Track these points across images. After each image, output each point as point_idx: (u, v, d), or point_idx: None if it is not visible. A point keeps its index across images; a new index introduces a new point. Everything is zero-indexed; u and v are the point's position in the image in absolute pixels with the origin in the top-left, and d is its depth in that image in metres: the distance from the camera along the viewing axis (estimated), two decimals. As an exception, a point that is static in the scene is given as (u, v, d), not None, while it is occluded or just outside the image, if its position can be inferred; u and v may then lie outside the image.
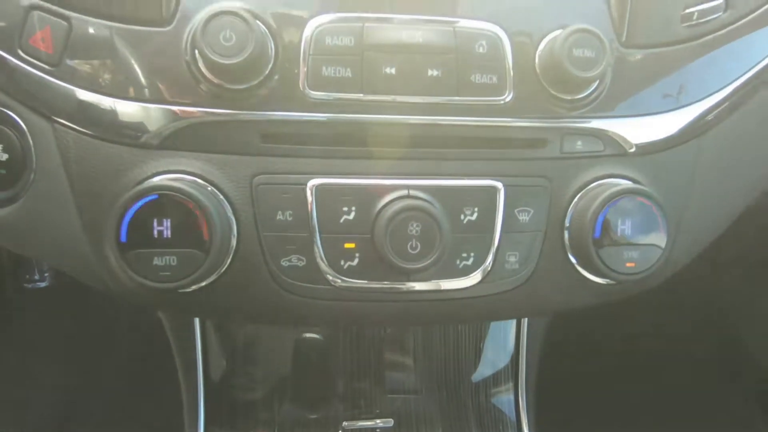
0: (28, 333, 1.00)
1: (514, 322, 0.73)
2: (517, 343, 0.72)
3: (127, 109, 0.44)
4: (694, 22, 0.51)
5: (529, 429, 0.72)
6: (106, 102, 0.44)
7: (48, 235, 0.48)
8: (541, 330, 0.70)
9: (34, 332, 1.00)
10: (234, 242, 0.46)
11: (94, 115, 0.45)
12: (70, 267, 0.50)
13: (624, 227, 0.47)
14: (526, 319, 0.71)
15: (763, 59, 0.54)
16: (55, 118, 0.45)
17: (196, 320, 0.68)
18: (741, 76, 0.53)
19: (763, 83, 0.55)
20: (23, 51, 0.44)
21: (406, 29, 0.46)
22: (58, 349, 1.02)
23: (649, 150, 0.51)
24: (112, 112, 0.45)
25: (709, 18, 0.51)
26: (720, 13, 0.52)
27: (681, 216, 0.54)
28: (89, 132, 0.45)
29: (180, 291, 0.45)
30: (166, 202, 0.42)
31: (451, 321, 0.65)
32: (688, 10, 0.50)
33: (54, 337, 1.01)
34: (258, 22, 0.43)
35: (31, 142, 0.46)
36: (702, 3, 0.51)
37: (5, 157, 0.47)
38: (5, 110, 0.46)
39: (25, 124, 0.46)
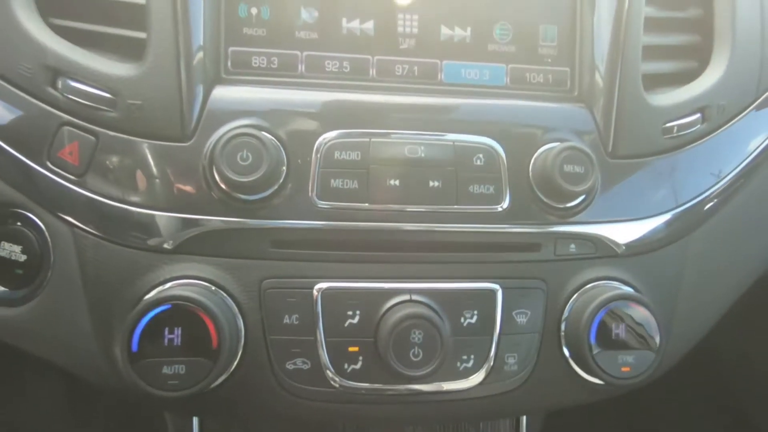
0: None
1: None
2: None
3: (145, 218, 0.47)
4: (674, 135, 0.55)
5: None
6: (125, 210, 0.47)
7: (58, 335, 0.49)
8: (538, 423, 0.70)
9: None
10: (241, 347, 0.47)
11: (113, 223, 0.47)
12: (77, 368, 0.51)
13: (618, 332, 0.49)
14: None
15: (740, 165, 0.59)
16: (76, 223, 0.48)
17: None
18: (720, 180, 0.57)
19: (743, 185, 0.59)
20: (51, 162, 0.47)
21: (410, 144, 0.49)
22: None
23: (638, 251, 0.54)
24: (131, 220, 0.47)
25: (688, 131, 0.55)
26: (698, 126, 0.56)
27: (673, 314, 0.56)
28: (108, 237, 0.47)
29: (182, 396, 0.45)
30: (177, 311, 0.43)
31: (452, 420, 0.65)
32: (668, 124, 0.55)
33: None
34: (272, 138, 0.47)
35: (50, 244, 0.48)
36: (681, 118, 0.55)
37: (23, 258, 0.49)
38: (28, 214, 0.48)
39: (46, 228, 0.48)
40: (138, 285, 0.47)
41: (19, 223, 0.49)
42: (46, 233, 0.48)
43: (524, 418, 0.69)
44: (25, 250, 0.49)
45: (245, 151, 0.45)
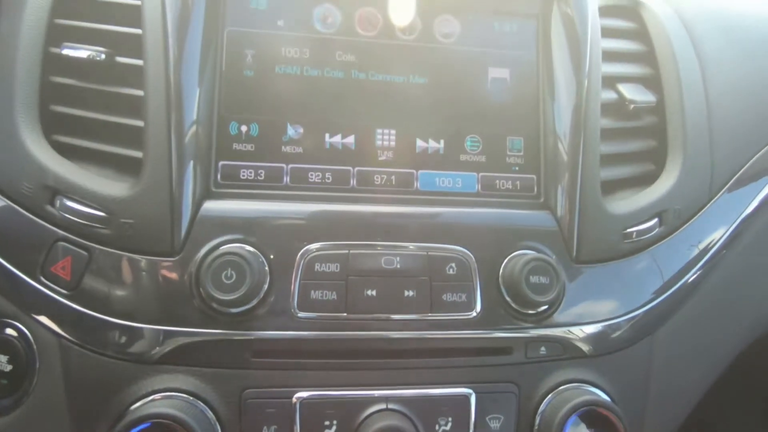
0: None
1: None
2: None
3: (131, 330, 0.49)
4: (634, 240, 0.59)
5: None
6: (112, 323, 0.49)
7: None
8: None
9: None
10: None
11: (100, 335, 0.49)
12: None
13: (590, 439, 0.51)
14: None
15: (698, 263, 0.62)
16: (63, 335, 0.49)
17: None
18: (680, 279, 0.61)
19: (703, 281, 0.63)
20: (44, 277, 0.49)
21: (386, 255, 0.53)
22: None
23: (605, 351, 0.57)
24: (117, 332, 0.49)
25: (646, 235, 0.60)
26: (656, 230, 0.60)
27: (644, 409, 0.58)
28: (94, 349, 0.49)
29: None
30: (158, 428, 0.45)
31: None
32: (628, 230, 0.59)
33: None
34: (257, 252, 0.50)
35: (36, 354, 0.50)
36: (640, 223, 0.59)
37: (9, 368, 0.50)
38: (17, 323, 0.50)
39: (34, 339, 0.50)
40: (121, 396, 0.48)
41: (7, 332, 0.50)
42: (34, 344, 0.50)
43: None
44: (12, 360, 0.50)
45: (229, 270, 0.47)
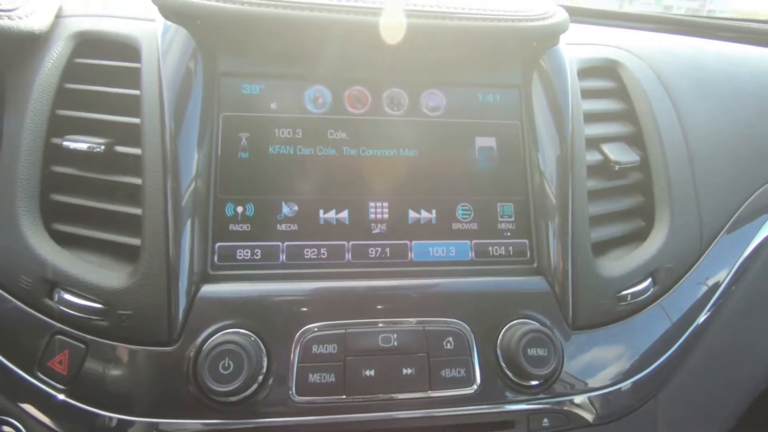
0: None
1: None
2: None
3: (126, 424, 0.48)
4: (629, 302, 0.60)
5: None
6: (108, 417, 0.49)
7: None
8: None
9: None
10: None
11: (95, 430, 0.48)
12: None
13: None
14: None
15: (695, 321, 0.63)
16: (58, 431, 0.49)
17: None
18: (678, 339, 0.61)
19: (701, 339, 0.63)
20: (41, 372, 0.49)
21: (383, 333, 0.53)
22: None
23: (609, 419, 0.56)
24: (113, 428, 0.48)
25: (641, 297, 0.60)
26: (650, 291, 0.61)
27: None
28: None
29: None
30: None
31: None
32: (622, 293, 0.59)
33: None
34: (254, 337, 0.50)
35: None
36: (633, 285, 0.60)
37: (3, 468, 0.49)
38: (11, 419, 0.50)
39: None
40: None
41: (2, 428, 0.50)
42: None
43: None
44: (7, 460, 0.49)
45: (227, 359, 0.48)
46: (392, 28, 0.57)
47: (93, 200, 0.55)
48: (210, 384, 0.46)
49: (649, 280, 0.61)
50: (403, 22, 0.57)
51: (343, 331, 0.52)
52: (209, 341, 0.48)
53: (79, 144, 0.55)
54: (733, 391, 0.65)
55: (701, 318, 0.62)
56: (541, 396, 0.54)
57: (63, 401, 0.49)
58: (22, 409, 0.49)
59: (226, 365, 0.47)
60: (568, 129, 0.61)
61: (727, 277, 0.65)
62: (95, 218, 0.55)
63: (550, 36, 0.63)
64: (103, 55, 0.59)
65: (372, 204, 0.60)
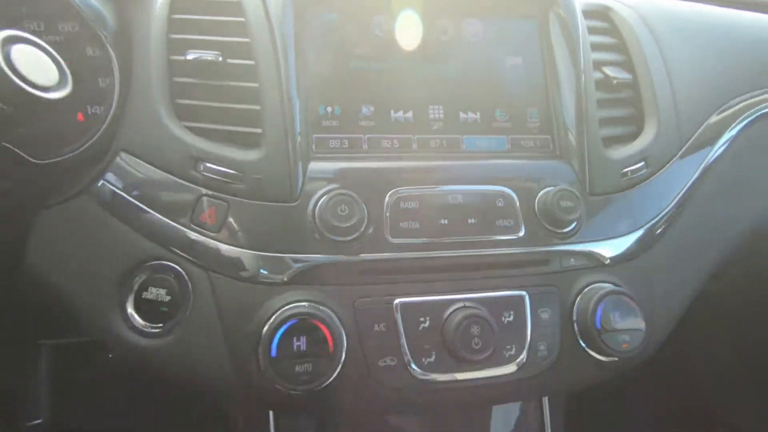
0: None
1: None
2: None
3: (266, 259, 0.63)
4: (629, 177, 0.78)
5: None
6: (251, 255, 0.63)
7: (196, 359, 0.62)
8: (560, 410, 0.85)
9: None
10: (344, 350, 0.61)
11: (242, 266, 0.63)
12: (208, 385, 0.63)
13: (615, 318, 0.67)
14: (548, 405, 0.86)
15: (677, 195, 0.81)
16: (212, 268, 0.63)
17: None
18: (666, 207, 0.80)
19: (684, 207, 0.81)
20: (194, 224, 0.63)
21: (451, 194, 0.69)
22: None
23: (619, 261, 0.74)
24: (256, 263, 0.63)
25: (637, 174, 0.78)
26: (643, 170, 0.79)
27: (653, 302, 0.75)
28: (237, 276, 0.63)
29: (303, 394, 0.59)
30: (302, 324, 0.59)
31: (498, 401, 0.79)
32: (624, 170, 0.77)
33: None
34: (355, 194, 0.65)
35: (190, 287, 0.63)
36: (631, 165, 0.78)
37: (168, 298, 0.63)
38: (173, 264, 0.63)
39: (187, 274, 0.63)
40: (262, 311, 0.62)
41: (165, 272, 0.63)
42: (187, 278, 0.63)
43: (546, 399, 0.84)
44: (169, 292, 0.63)
45: (342, 205, 0.63)
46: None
47: (215, 102, 0.69)
48: (333, 221, 0.62)
49: (643, 162, 0.79)
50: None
51: (420, 192, 0.68)
52: (324, 197, 0.63)
53: (198, 55, 0.69)
54: (714, 243, 0.84)
55: (682, 192, 0.80)
56: (569, 241, 0.71)
57: (214, 244, 0.63)
58: (182, 255, 0.63)
59: (342, 209, 0.62)
60: (579, 50, 0.78)
61: (700, 166, 0.84)
62: (218, 116, 0.68)
63: None
64: None
65: (431, 107, 0.76)
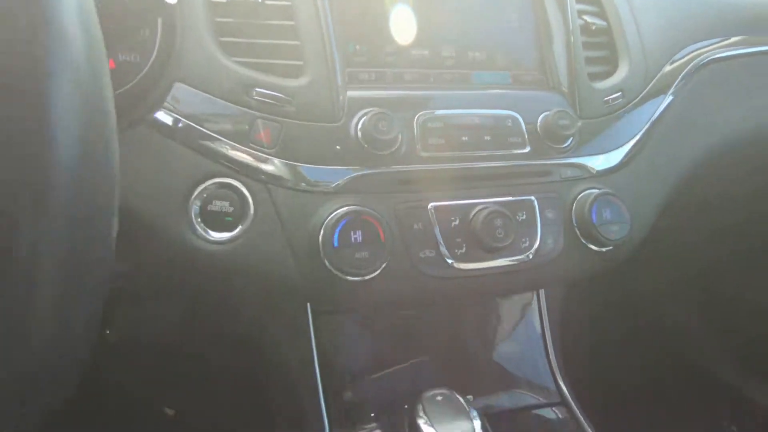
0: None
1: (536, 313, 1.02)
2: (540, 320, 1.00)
3: (318, 171, 0.72)
4: (609, 104, 0.92)
5: (565, 386, 0.96)
6: (305, 168, 0.72)
7: (261, 262, 0.71)
8: (558, 305, 1.00)
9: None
10: (393, 242, 0.72)
11: (297, 178, 0.72)
12: (272, 285, 0.72)
13: (606, 214, 0.82)
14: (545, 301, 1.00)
15: (647, 121, 0.97)
16: (270, 182, 0.71)
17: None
18: (641, 129, 0.95)
19: (654, 129, 0.97)
20: (252, 143, 0.71)
21: (468, 116, 0.81)
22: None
23: (606, 172, 0.89)
24: (308, 175, 0.72)
25: (615, 102, 0.93)
26: (620, 99, 0.94)
27: (634, 205, 0.90)
28: (294, 187, 0.72)
29: (360, 282, 0.69)
30: (357, 219, 0.69)
31: (517, 290, 0.93)
32: (606, 99, 0.92)
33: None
34: (390, 113, 0.75)
35: (250, 199, 0.71)
36: (610, 95, 0.93)
37: (231, 209, 0.71)
38: (233, 181, 0.71)
39: (247, 188, 0.71)
40: (317, 215, 0.71)
41: (227, 188, 0.71)
42: (247, 192, 0.71)
43: (542, 291, 0.98)
44: (232, 204, 0.71)
45: (383, 122, 0.73)
46: None
47: (257, 39, 0.76)
48: (375, 134, 0.71)
49: (620, 93, 0.93)
50: None
51: (443, 114, 0.79)
52: (365, 116, 0.73)
53: None
54: (685, 152, 1.00)
55: (654, 116, 0.96)
56: (566, 155, 0.85)
57: (271, 159, 0.71)
58: (241, 171, 0.71)
59: (382, 125, 0.72)
60: (568, 4, 0.91)
61: (668, 93, 1.00)
62: (261, 50, 0.76)
63: None
64: None
65: (444, 46, 0.87)
